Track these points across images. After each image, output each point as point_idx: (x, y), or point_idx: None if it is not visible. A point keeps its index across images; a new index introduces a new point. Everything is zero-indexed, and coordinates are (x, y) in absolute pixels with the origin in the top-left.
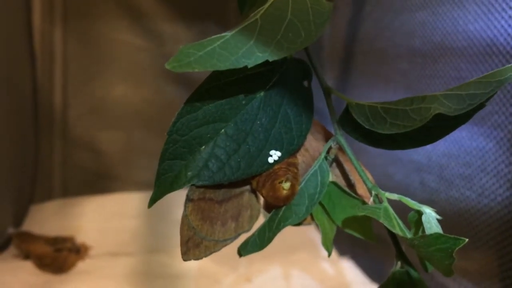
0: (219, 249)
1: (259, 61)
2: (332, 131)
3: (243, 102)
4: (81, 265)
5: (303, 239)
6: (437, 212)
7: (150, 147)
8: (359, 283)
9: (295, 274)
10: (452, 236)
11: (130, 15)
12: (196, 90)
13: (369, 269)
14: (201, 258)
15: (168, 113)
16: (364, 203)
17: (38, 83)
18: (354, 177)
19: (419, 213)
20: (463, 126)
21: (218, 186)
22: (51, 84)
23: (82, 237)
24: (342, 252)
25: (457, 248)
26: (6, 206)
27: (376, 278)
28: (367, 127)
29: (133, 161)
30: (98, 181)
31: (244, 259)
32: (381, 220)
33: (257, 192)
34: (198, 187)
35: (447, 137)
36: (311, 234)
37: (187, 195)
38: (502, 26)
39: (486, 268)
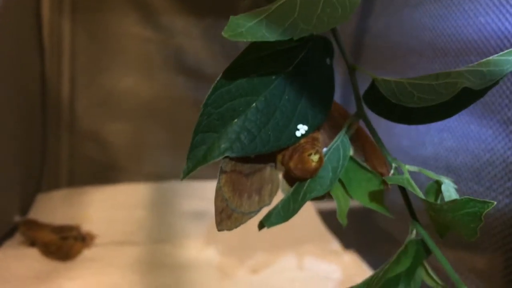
0: (245, 222)
1: (304, 34)
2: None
3: (273, 77)
4: (87, 253)
5: (310, 232)
6: None
7: (158, 139)
8: (365, 276)
9: (301, 266)
10: (481, 199)
11: (139, 7)
12: (231, 65)
13: (374, 262)
14: (232, 229)
15: (176, 106)
16: (379, 176)
17: (47, 74)
18: (371, 152)
19: (438, 183)
20: (471, 120)
21: (245, 160)
22: (59, 76)
23: (88, 226)
24: (348, 245)
25: (486, 211)
26: (13, 194)
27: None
28: (394, 101)
29: (140, 153)
30: (105, 172)
31: (250, 251)
32: (408, 188)
33: (277, 167)
34: (230, 159)
35: (455, 130)
36: (317, 227)
37: (221, 167)
38: None
39: (493, 262)
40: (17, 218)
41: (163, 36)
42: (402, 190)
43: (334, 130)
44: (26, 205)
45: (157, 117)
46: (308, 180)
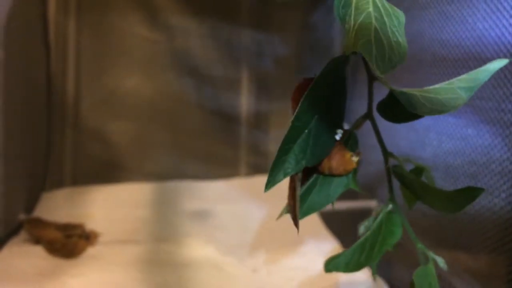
0: None
1: (394, 69)
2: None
3: (326, 90)
4: (91, 251)
5: (310, 232)
6: None
7: (160, 138)
8: (364, 275)
9: (300, 266)
10: (476, 187)
11: (143, 8)
12: (313, 84)
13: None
14: None
15: (179, 106)
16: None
17: (52, 73)
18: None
19: (420, 169)
20: (469, 123)
21: None
22: (64, 75)
23: (91, 225)
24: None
25: (479, 195)
26: (19, 193)
27: (380, 272)
28: (411, 111)
29: (143, 152)
30: (108, 171)
31: (251, 250)
32: (403, 174)
33: None
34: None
35: (453, 134)
36: (318, 227)
37: (298, 177)
38: (511, 24)
39: (489, 263)
40: (22, 216)
41: (166, 37)
42: (388, 175)
43: None
44: (31, 204)
45: (161, 117)
46: (335, 177)
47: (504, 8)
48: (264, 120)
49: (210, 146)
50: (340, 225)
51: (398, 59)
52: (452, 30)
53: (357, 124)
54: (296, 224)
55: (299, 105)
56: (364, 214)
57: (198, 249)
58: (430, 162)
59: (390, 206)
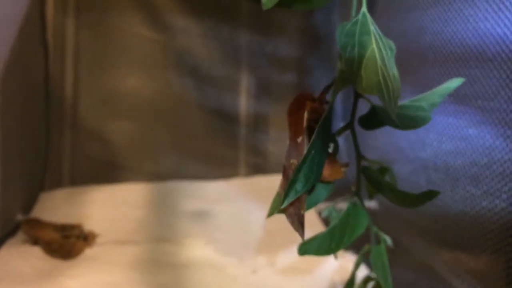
0: None
1: (394, 111)
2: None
3: (329, 111)
4: (89, 252)
5: (309, 233)
6: (443, 209)
7: (160, 139)
8: (363, 276)
9: (301, 267)
10: (435, 190)
11: (142, 7)
12: (322, 120)
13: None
14: None
15: (179, 106)
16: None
17: (50, 74)
18: None
19: (384, 170)
20: (470, 124)
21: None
22: (63, 75)
23: (90, 225)
24: (347, 247)
25: (432, 200)
26: (16, 193)
27: None
28: (389, 125)
29: (142, 152)
30: (107, 171)
31: (250, 250)
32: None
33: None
34: None
35: (454, 134)
36: (317, 228)
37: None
38: None
39: (490, 264)
40: (19, 217)
41: (166, 36)
42: (358, 174)
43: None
44: (29, 204)
45: (160, 117)
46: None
47: (506, 7)
48: (263, 120)
49: (210, 146)
50: None
51: (397, 93)
52: (453, 29)
53: (340, 132)
54: (302, 234)
55: (315, 132)
56: None
57: (198, 249)
58: (430, 163)
59: (355, 199)
